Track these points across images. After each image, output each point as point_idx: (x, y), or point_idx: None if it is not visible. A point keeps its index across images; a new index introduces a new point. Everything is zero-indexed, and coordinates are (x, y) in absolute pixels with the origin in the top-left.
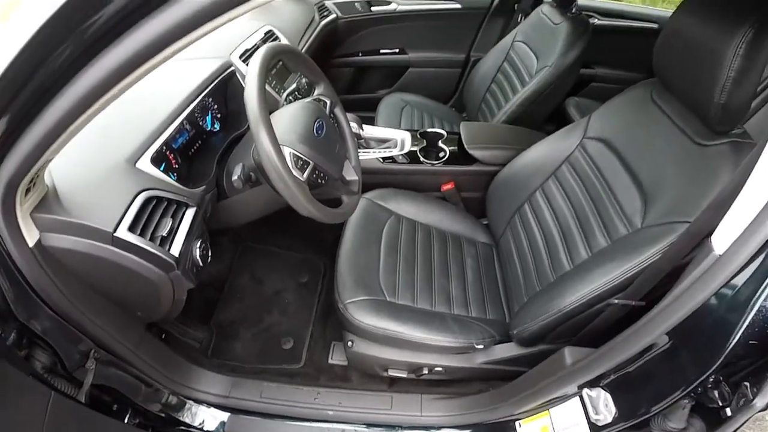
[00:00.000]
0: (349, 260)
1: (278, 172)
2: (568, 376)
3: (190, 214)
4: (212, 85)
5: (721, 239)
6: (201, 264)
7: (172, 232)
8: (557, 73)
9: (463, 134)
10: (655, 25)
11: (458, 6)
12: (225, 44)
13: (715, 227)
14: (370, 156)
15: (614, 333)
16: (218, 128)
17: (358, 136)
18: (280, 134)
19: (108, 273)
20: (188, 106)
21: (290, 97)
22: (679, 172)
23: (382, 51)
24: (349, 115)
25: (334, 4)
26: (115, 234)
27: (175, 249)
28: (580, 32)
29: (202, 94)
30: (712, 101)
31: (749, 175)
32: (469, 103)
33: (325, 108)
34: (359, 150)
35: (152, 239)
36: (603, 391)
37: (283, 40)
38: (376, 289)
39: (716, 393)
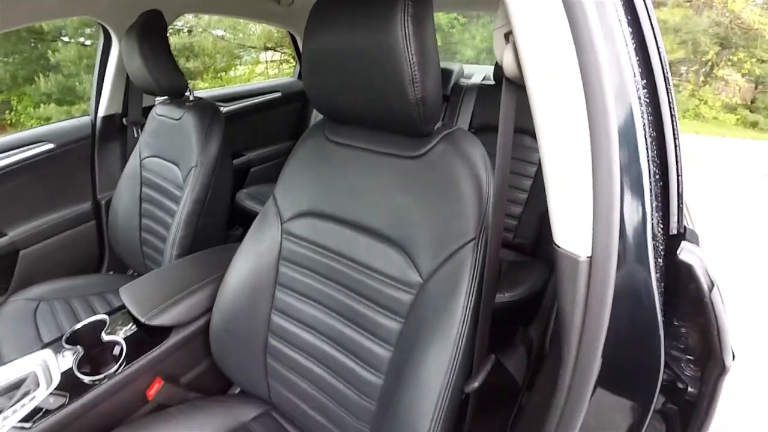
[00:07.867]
0: None
1: None
2: None
3: None
4: None
5: (566, 239)
6: None
7: None
8: (209, 170)
9: (128, 304)
10: (278, 93)
11: (52, 146)
12: None
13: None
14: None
15: None
16: None
17: None
18: None
19: None
20: None
21: None
22: (413, 197)
23: None
24: None
25: None
26: None
27: None
28: (209, 116)
29: None
30: (408, 100)
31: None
32: (130, 258)
33: None
34: None
35: None
36: None
37: None
38: None
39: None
